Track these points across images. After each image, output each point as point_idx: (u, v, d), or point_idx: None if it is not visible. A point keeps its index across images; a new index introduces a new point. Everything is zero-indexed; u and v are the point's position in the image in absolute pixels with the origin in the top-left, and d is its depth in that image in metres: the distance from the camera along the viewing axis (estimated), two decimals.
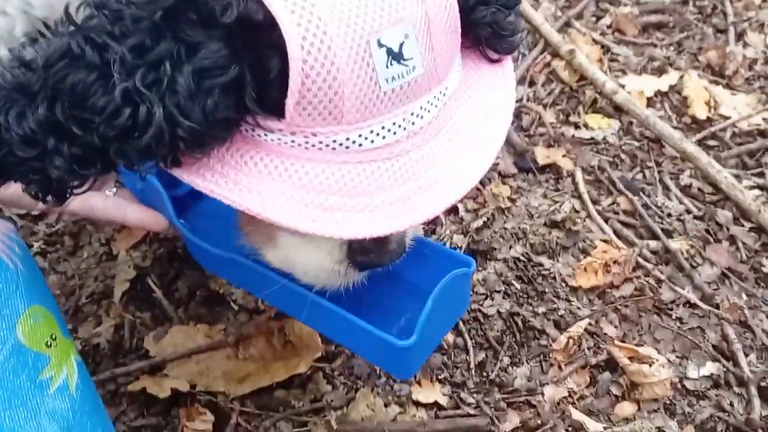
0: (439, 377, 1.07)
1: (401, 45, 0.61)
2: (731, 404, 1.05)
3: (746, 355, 1.10)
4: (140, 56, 0.56)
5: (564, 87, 1.60)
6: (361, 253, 0.75)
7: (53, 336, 0.70)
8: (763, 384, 1.06)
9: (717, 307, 1.17)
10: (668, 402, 1.05)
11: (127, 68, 0.56)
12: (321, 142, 0.62)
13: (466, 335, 1.12)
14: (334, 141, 0.62)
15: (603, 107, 1.54)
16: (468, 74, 0.74)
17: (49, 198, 0.64)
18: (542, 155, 1.42)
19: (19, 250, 0.71)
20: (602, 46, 1.70)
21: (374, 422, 1.01)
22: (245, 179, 0.64)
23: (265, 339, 1.10)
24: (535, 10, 1.77)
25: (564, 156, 1.42)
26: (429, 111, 0.66)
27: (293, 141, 0.63)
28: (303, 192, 0.63)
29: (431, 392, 1.05)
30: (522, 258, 1.24)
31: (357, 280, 0.81)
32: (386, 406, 1.03)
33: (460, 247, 1.25)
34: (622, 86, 1.55)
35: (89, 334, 1.12)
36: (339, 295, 0.83)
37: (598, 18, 1.80)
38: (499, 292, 1.19)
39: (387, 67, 0.60)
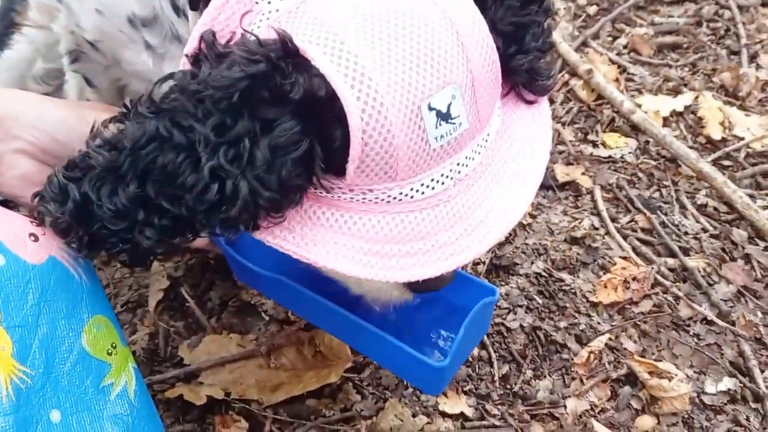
0: (465, 389, 1.11)
1: (449, 106, 0.65)
2: (747, 419, 1.09)
3: (762, 371, 1.14)
4: (222, 135, 0.61)
5: (582, 106, 1.64)
6: (422, 281, 0.78)
7: (113, 344, 0.73)
8: None
9: (733, 324, 1.20)
10: (687, 416, 1.09)
11: (211, 147, 0.61)
12: (377, 197, 0.68)
13: (490, 348, 1.16)
14: (389, 195, 0.67)
15: (620, 126, 1.58)
16: (506, 115, 0.78)
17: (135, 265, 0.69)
18: (561, 173, 1.46)
19: (83, 261, 0.74)
20: (619, 66, 1.74)
21: None
22: (310, 233, 0.69)
23: (296, 349, 1.13)
24: (553, 30, 1.81)
25: (583, 174, 1.46)
26: (473, 159, 0.71)
27: (352, 197, 0.68)
28: (361, 242, 0.69)
29: (457, 403, 1.09)
30: (543, 273, 1.28)
31: (409, 299, 0.86)
32: (414, 416, 1.07)
33: (483, 262, 1.29)
34: (639, 106, 1.59)
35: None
36: (376, 314, 0.88)
37: (615, 38, 1.85)
38: (521, 306, 1.23)
39: (436, 127, 0.65)
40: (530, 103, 0.80)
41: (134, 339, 1.16)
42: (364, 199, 0.68)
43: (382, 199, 0.68)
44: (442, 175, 0.68)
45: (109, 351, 0.73)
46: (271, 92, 0.61)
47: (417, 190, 0.68)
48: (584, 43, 1.81)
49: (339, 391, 1.09)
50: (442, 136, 0.66)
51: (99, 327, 0.73)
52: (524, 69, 0.76)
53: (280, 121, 0.61)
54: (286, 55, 0.62)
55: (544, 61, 0.79)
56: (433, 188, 0.69)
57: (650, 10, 1.93)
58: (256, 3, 0.67)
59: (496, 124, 0.75)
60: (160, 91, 0.65)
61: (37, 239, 0.71)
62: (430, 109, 0.64)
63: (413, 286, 0.81)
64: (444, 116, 0.65)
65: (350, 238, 0.69)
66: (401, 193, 0.67)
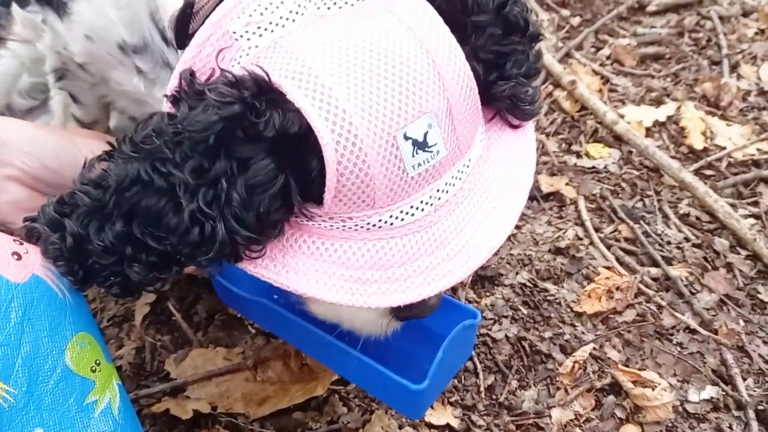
0: (451, 400, 1.12)
1: (425, 134, 0.67)
2: (730, 427, 1.10)
3: (744, 380, 1.15)
4: (200, 177, 0.63)
5: (566, 117, 1.65)
6: (405, 308, 0.79)
7: (97, 361, 0.74)
8: (760, 407, 1.11)
9: (716, 332, 1.22)
10: (670, 425, 1.10)
11: (191, 191, 0.63)
12: (356, 224, 0.69)
13: (476, 359, 1.17)
14: (368, 223, 0.68)
15: (604, 137, 1.59)
16: (491, 140, 0.79)
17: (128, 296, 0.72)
18: (546, 183, 1.47)
19: (66, 279, 0.74)
20: (602, 77, 1.76)
21: None
22: (291, 261, 0.70)
23: (282, 362, 1.14)
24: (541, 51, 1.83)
25: (567, 184, 1.48)
26: (453, 185, 0.72)
27: (332, 225, 0.69)
28: (342, 269, 0.70)
29: (443, 415, 1.09)
30: (528, 284, 1.29)
31: (394, 328, 0.87)
32: (400, 428, 1.07)
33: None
34: (622, 116, 1.61)
35: (111, 357, 1.15)
36: (356, 337, 0.88)
37: (598, 49, 1.87)
38: (506, 317, 1.24)
39: (413, 155, 0.66)
40: (515, 127, 0.81)
41: (121, 353, 1.16)
42: (343, 226, 0.69)
43: (362, 227, 0.69)
44: (422, 201, 0.69)
45: (93, 368, 0.73)
46: (246, 132, 0.63)
47: (396, 217, 0.69)
48: (568, 54, 1.83)
49: (325, 403, 1.10)
50: (419, 164, 0.67)
51: (83, 344, 0.73)
52: (506, 95, 0.76)
53: (255, 160, 0.63)
54: (260, 92, 0.63)
55: (528, 86, 0.79)
56: (413, 215, 0.70)
57: (633, 20, 1.96)
58: (236, 40, 0.69)
59: (478, 150, 0.76)
60: (142, 131, 0.67)
61: (20, 258, 0.71)
62: (406, 138, 0.65)
63: (398, 314, 0.82)
64: (420, 145, 0.66)
65: (331, 265, 0.70)
66: (380, 220, 0.68)
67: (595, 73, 1.77)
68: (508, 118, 0.80)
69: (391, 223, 0.69)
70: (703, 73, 1.77)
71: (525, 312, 1.25)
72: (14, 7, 1.02)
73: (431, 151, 0.67)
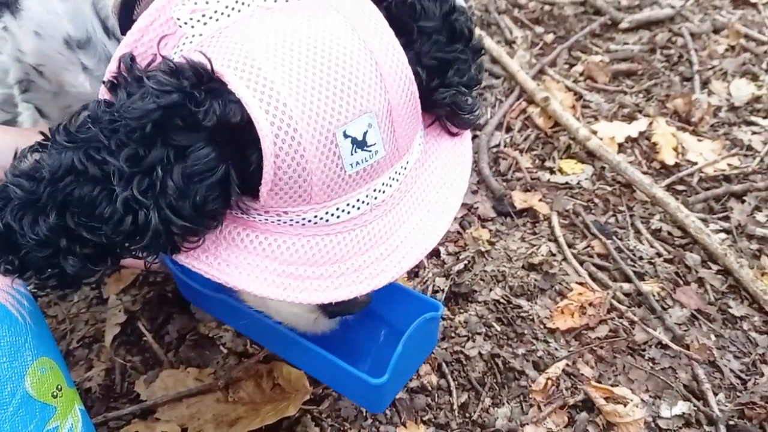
0: (424, 419, 1.11)
1: (365, 134, 0.67)
2: None
3: (716, 395, 1.16)
4: (135, 165, 0.62)
5: (539, 133, 1.66)
6: (335, 304, 0.79)
7: (59, 386, 0.73)
8: (731, 423, 1.11)
9: (687, 347, 1.22)
10: None
11: (125, 178, 0.62)
12: (292, 219, 0.69)
13: (449, 377, 1.17)
14: (304, 218, 0.69)
15: (577, 153, 1.61)
16: (429, 145, 0.81)
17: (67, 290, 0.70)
18: (519, 199, 1.48)
19: (27, 303, 0.74)
20: (575, 93, 1.78)
21: None
22: (224, 253, 0.70)
23: (254, 382, 1.13)
24: (511, 57, 1.85)
25: (540, 200, 1.48)
26: (390, 185, 0.73)
27: (267, 219, 0.69)
28: (276, 263, 0.70)
29: None
30: (502, 300, 1.29)
31: (329, 327, 0.88)
32: None
33: (442, 290, 1.30)
34: (595, 132, 1.63)
35: (81, 378, 1.14)
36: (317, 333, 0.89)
37: (571, 65, 1.88)
38: (480, 334, 1.24)
39: (352, 154, 0.67)
40: (453, 135, 0.82)
41: (90, 375, 1.15)
42: (279, 221, 0.69)
43: (297, 222, 0.69)
44: (358, 200, 0.70)
45: (55, 393, 0.72)
46: (184, 120, 0.62)
47: (332, 214, 0.69)
48: (541, 71, 1.85)
49: (297, 423, 1.09)
50: (357, 163, 0.67)
51: (44, 369, 0.72)
52: (446, 102, 0.78)
53: (194, 148, 0.62)
54: (200, 81, 0.63)
55: (469, 96, 0.81)
56: (348, 213, 0.70)
57: (606, 37, 1.98)
58: (180, 27, 0.68)
59: (417, 153, 0.77)
60: (77, 120, 0.66)
61: None
62: (346, 136, 0.66)
63: (328, 310, 0.82)
64: (360, 144, 0.67)
65: (264, 260, 0.70)
66: (316, 216, 0.69)
67: (568, 89, 1.79)
68: (447, 126, 0.82)
69: (327, 220, 0.70)
70: (674, 89, 1.79)
71: (498, 329, 1.25)
72: None
73: (370, 151, 0.68)
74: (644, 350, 1.22)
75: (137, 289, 1.27)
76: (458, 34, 0.78)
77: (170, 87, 0.62)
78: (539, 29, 2.00)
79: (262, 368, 1.14)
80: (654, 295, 1.30)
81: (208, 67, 0.64)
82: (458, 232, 1.42)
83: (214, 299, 0.94)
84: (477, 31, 0.81)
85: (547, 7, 2.08)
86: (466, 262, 1.36)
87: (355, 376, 0.85)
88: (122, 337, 1.20)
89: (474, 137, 1.62)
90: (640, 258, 1.38)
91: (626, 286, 1.32)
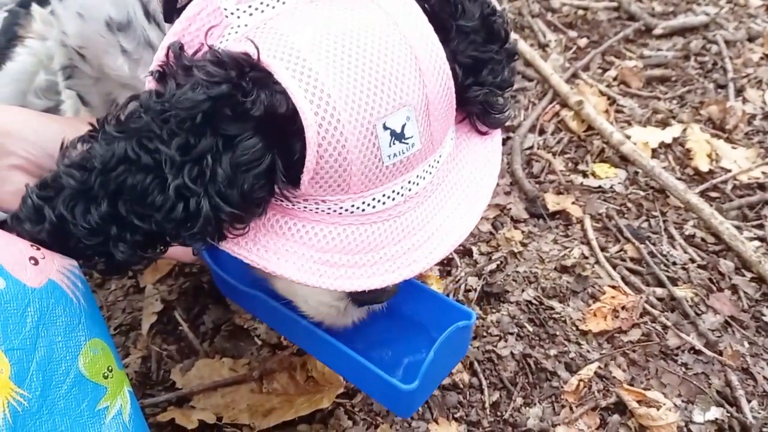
0: (456, 416, 1.12)
1: (403, 126, 0.69)
2: None
3: (749, 401, 1.15)
4: (186, 153, 0.64)
5: (572, 136, 1.66)
6: (364, 293, 0.81)
7: (110, 368, 0.74)
8: (765, 430, 1.11)
9: (720, 353, 1.22)
10: None
11: (177, 167, 0.64)
12: (329, 208, 0.70)
13: (481, 375, 1.17)
14: (341, 207, 0.70)
15: (610, 157, 1.60)
16: (460, 142, 0.82)
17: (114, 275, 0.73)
18: (552, 202, 1.48)
19: (81, 285, 0.75)
20: (608, 98, 1.77)
21: None
22: (263, 239, 0.72)
23: (288, 374, 1.14)
24: (544, 61, 1.85)
25: (573, 203, 1.48)
26: (424, 178, 0.74)
27: (305, 207, 0.70)
28: (312, 251, 0.71)
29: (447, 430, 1.09)
30: (534, 301, 1.30)
31: (357, 317, 0.89)
32: None
33: (475, 289, 1.30)
34: (628, 137, 1.62)
35: None
36: (351, 334, 0.90)
37: (604, 70, 1.88)
38: (512, 334, 1.24)
39: (390, 146, 0.68)
40: (483, 134, 0.84)
41: (127, 362, 1.16)
42: (317, 209, 0.70)
43: (335, 211, 0.70)
44: (393, 191, 0.71)
45: (106, 374, 0.73)
46: (233, 110, 0.64)
47: (368, 204, 0.71)
48: (574, 75, 1.84)
49: (330, 416, 1.10)
50: (395, 155, 0.69)
51: (96, 350, 0.73)
52: (478, 100, 0.79)
53: (242, 138, 0.64)
54: (247, 71, 0.64)
55: (501, 96, 0.82)
56: (384, 203, 0.71)
57: (639, 43, 1.98)
58: (226, 17, 0.70)
59: (449, 148, 0.78)
60: (126, 111, 0.68)
61: (36, 263, 0.72)
62: (385, 128, 0.67)
63: (357, 299, 0.83)
64: (398, 136, 0.68)
65: (302, 246, 0.71)
66: (353, 206, 0.70)
67: (602, 93, 1.78)
68: (477, 124, 0.83)
69: (363, 210, 0.71)
70: (708, 96, 1.78)
71: (530, 329, 1.25)
72: (34, 6, 1.03)
73: (407, 143, 0.69)
74: (677, 355, 1.22)
75: (173, 280, 1.29)
76: (495, 35, 0.80)
77: (219, 78, 0.64)
78: (572, 33, 2.00)
79: (296, 361, 1.15)
80: (687, 301, 1.30)
81: (255, 57, 0.65)
82: (491, 233, 1.42)
83: (247, 294, 0.95)
84: (512, 35, 0.82)
85: (580, 12, 2.08)
86: (498, 262, 1.36)
87: (386, 382, 0.86)
88: (158, 326, 1.22)
89: (507, 139, 1.63)
90: (673, 263, 1.38)
91: (659, 290, 1.32)
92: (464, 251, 1.38)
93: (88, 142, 0.70)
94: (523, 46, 1.90)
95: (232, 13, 0.70)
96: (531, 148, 1.63)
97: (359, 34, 0.67)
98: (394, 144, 0.68)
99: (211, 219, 0.65)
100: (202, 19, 0.70)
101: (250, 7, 0.70)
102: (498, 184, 1.52)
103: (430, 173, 0.75)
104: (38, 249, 0.73)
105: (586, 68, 1.88)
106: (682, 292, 1.31)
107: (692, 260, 1.39)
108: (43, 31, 1.08)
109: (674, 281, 1.34)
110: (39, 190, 0.70)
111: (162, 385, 1.13)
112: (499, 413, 1.13)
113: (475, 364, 1.19)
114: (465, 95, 0.77)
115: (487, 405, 1.14)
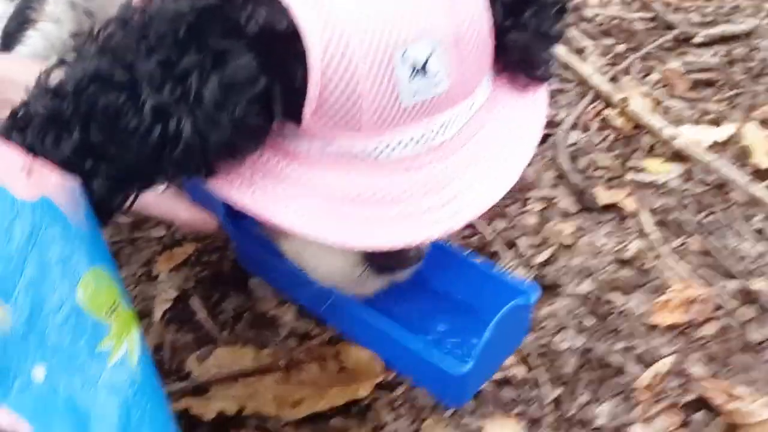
0: (515, 411, 0.97)
1: (427, 60, 0.58)
2: None
3: None
4: (167, 71, 0.55)
5: (618, 134, 1.55)
6: (383, 257, 0.70)
7: (115, 303, 0.61)
8: None
9: None
10: None
11: (155, 85, 0.55)
12: (338, 150, 0.60)
13: (540, 369, 1.02)
14: (350, 151, 0.60)
15: (662, 153, 1.49)
16: (497, 93, 0.70)
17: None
18: (603, 195, 1.36)
19: (83, 209, 0.63)
20: (653, 98, 1.67)
21: None
22: (260, 181, 0.61)
23: (317, 365, 1.00)
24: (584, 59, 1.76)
25: (626, 197, 1.36)
26: (452, 128, 0.63)
27: (310, 148, 0.60)
28: (317, 199, 0.61)
29: (505, 427, 0.94)
30: (591, 295, 1.16)
31: (377, 286, 0.75)
32: None
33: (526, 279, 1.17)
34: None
35: None
36: (387, 315, 0.77)
37: (646, 74, 1.78)
38: (570, 327, 1.10)
39: (410, 81, 0.58)
40: (524, 89, 0.72)
41: None
42: (322, 150, 0.60)
43: (342, 155, 0.60)
44: (413, 138, 0.60)
45: (109, 311, 0.61)
46: (224, 25, 0.55)
47: (381, 151, 0.60)
48: (614, 79, 1.75)
49: (369, 409, 0.95)
50: (416, 93, 0.58)
51: (99, 282, 0.61)
52: (518, 46, 0.68)
53: (234, 56, 0.55)
54: None
55: (544, 47, 0.71)
56: (400, 151, 0.60)
57: (679, 51, 1.88)
58: None
59: (483, 96, 0.67)
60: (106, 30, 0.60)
61: (30, 175, 0.60)
62: (404, 59, 0.57)
63: (373, 263, 0.71)
64: (420, 71, 0.58)
65: (304, 191, 0.61)
66: (363, 151, 0.60)
67: (646, 95, 1.68)
68: (517, 78, 0.71)
69: (376, 157, 0.60)
70: (759, 98, 1.68)
71: (590, 323, 1.11)
72: None
73: (431, 81, 0.59)
74: (761, 350, 1.07)
75: (189, 269, 1.16)
76: None
77: None
78: (609, 41, 1.92)
79: (327, 351, 1.01)
80: (764, 294, 1.15)
81: None
82: (538, 224, 1.30)
83: (276, 268, 0.83)
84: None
85: (615, 21, 2.00)
86: (549, 255, 1.23)
87: (433, 365, 0.73)
88: (172, 314, 1.08)
89: (548, 136, 1.52)
90: (742, 258, 1.24)
91: (731, 284, 1.18)
92: (508, 243, 1.26)
93: (65, 65, 0.62)
94: (560, 50, 1.81)
95: None
96: (575, 144, 1.52)
97: None
98: (415, 79, 0.58)
99: (196, 146, 0.56)
100: None
101: None
102: (542, 178, 1.41)
103: (460, 123, 0.64)
104: (34, 161, 0.61)
105: (626, 72, 1.78)
106: (757, 285, 1.17)
107: (761, 254, 1.25)
108: (56, 12, 1.01)
109: (746, 275, 1.20)
110: (7, 122, 0.62)
111: (176, 375, 0.99)
112: (562, 410, 0.98)
113: (530, 357, 1.04)
114: (504, 39, 0.66)
115: (546, 401, 0.99)
